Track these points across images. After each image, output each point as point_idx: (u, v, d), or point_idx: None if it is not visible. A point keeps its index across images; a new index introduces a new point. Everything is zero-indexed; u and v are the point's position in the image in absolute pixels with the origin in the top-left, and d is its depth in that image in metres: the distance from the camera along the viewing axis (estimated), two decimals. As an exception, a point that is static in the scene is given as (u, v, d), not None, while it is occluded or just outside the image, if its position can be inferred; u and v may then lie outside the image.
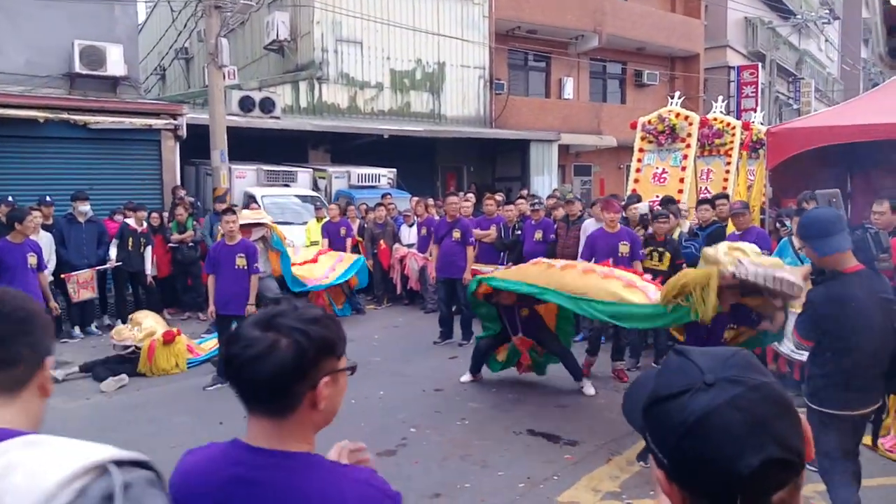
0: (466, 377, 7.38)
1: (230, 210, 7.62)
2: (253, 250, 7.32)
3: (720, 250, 4.98)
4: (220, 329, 7.54)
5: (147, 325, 8.01)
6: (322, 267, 10.70)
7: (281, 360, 1.32)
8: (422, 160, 19.41)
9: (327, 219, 12.12)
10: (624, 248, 7.42)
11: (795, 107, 32.15)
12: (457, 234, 9.11)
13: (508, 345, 7.16)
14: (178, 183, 12.75)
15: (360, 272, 10.92)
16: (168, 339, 7.90)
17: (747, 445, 0.93)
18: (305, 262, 10.72)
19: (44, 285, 7.37)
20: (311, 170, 15.55)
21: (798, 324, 3.76)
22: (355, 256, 11.07)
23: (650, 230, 8.20)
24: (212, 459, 1.40)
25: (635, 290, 5.59)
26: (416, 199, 12.64)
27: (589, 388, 6.84)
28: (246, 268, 7.17)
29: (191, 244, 10.90)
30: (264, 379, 1.32)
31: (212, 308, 7.40)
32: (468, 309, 8.47)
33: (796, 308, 6.30)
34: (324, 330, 1.38)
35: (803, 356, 6.24)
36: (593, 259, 7.18)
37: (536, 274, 6.35)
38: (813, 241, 3.62)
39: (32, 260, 7.15)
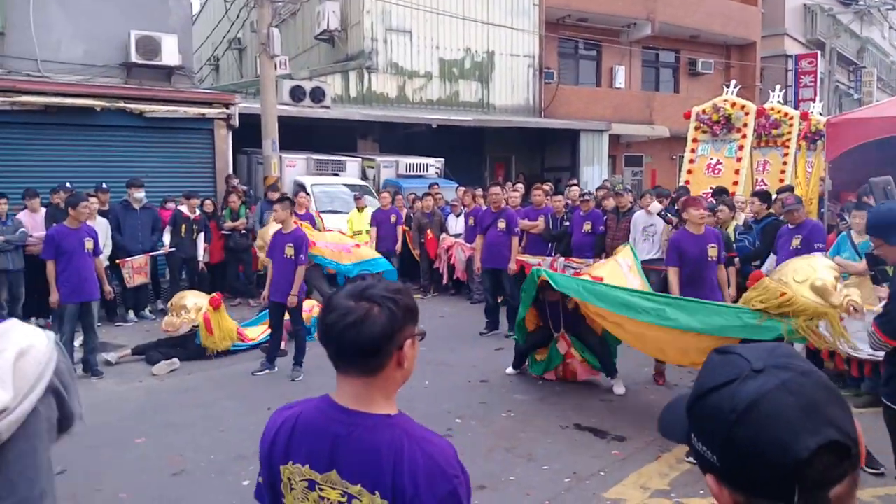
0: (511, 370, 7.34)
1: (283, 199, 7.59)
2: (302, 240, 7.30)
3: (834, 293, 4.98)
4: (270, 314, 7.61)
5: (190, 303, 8.08)
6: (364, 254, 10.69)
7: (377, 324, 1.51)
8: (470, 150, 19.34)
9: (368, 207, 12.15)
10: (712, 252, 6.44)
11: (856, 97, 31.18)
12: (502, 225, 9.01)
13: (550, 345, 7.06)
14: (231, 171, 12.93)
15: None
16: (215, 305, 8.04)
17: (803, 428, 0.89)
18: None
19: (99, 269, 7.54)
20: (359, 159, 15.63)
21: (884, 323, 3.57)
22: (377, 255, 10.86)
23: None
24: (318, 414, 1.62)
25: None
26: (463, 188, 12.59)
27: (619, 388, 6.70)
28: (293, 257, 7.18)
29: (243, 231, 11.05)
30: (363, 341, 1.51)
31: (265, 293, 7.54)
32: (514, 299, 8.41)
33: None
34: (407, 298, 1.60)
35: (861, 354, 6.08)
36: (682, 269, 6.49)
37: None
38: (890, 232, 3.50)
39: (89, 245, 7.31)
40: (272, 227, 9.02)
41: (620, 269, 6.90)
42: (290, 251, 7.19)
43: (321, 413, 1.61)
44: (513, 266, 8.72)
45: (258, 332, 8.62)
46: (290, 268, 7.19)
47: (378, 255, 10.43)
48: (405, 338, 1.57)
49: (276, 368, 7.40)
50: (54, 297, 7.08)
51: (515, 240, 9.03)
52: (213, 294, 8.33)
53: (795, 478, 0.89)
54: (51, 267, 7.06)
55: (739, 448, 0.92)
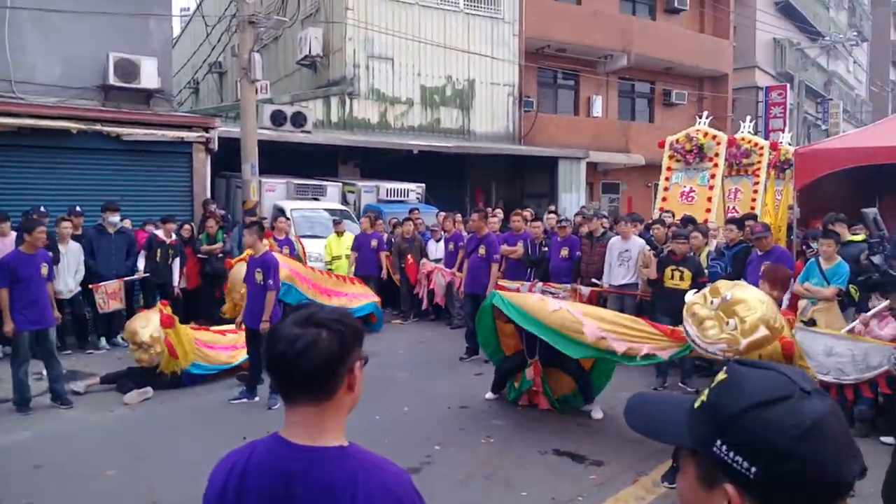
0: (490, 395, 7.34)
1: (252, 224, 7.59)
2: (270, 265, 7.20)
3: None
4: (246, 339, 7.55)
5: (146, 335, 7.69)
6: (352, 290, 10.75)
7: (328, 348, 1.50)
8: (451, 176, 19.44)
9: (347, 232, 12.17)
10: None
11: (824, 128, 31.90)
12: (482, 251, 9.10)
13: (523, 371, 7.08)
14: (209, 195, 12.87)
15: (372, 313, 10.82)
16: (168, 324, 7.72)
17: (849, 453, 0.96)
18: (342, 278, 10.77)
19: (51, 294, 7.41)
20: (340, 184, 15.65)
21: None
22: (375, 298, 10.91)
23: (668, 248, 8.17)
24: (265, 458, 1.55)
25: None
26: (443, 214, 12.65)
27: (597, 412, 6.74)
28: (262, 283, 7.13)
29: (220, 256, 10.93)
30: (316, 366, 1.49)
31: (239, 318, 7.54)
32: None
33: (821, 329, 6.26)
34: (353, 322, 1.59)
35: (847, 379, 6.18)
36: None
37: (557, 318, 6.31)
38: None
39: (44, 270, 7.21)
40: (241, 269, 8.98)
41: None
42: (259, 276, 7.15)
43: (271, 452, 1.55)
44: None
45: (226, 355, 8.41)
46: (263, 293, 7.13)
47: (361, 303, 10.51)
48: (355, 360, 1.57)
49: (258, 398, 7.29)
50: (9, 327, 6.85)
51: (495, 267, 9.08)
52: (161, 311, 7.91)
53: (836, 498, 0.94)
54: (4, 294, 6.83)
55: (796, 463, 0.93)
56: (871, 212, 8.49)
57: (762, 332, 4.80)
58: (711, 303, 5.06)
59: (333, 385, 1.53)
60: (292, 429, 1.55)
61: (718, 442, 0.99)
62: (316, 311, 1.58)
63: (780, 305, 6.29)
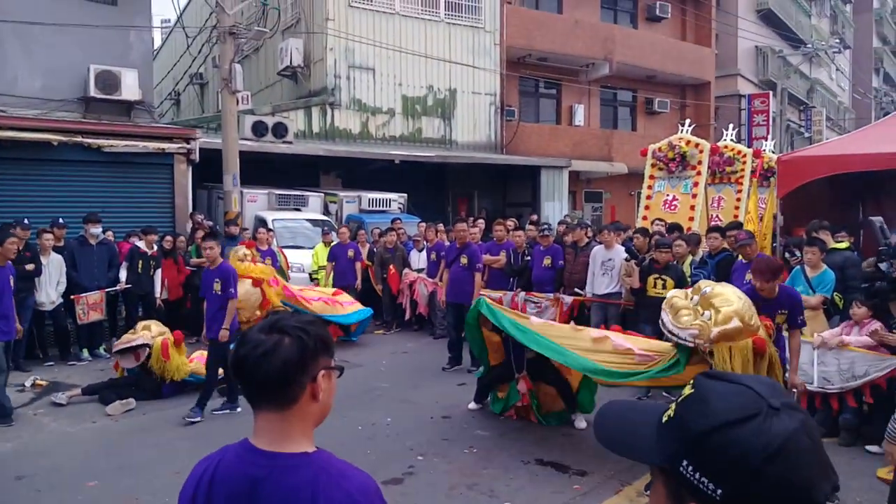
0: (473, 405, 7.32)
1: (210, 235, 7.69)
2: (229, 275, 7.26)
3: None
4: (210, 350, 7.47)
5: (154, 330, 8.00)
6: (343, 301, 10.73)
7: (286, 354, 1.51)
8: (433, 185, 19.46)
9: (335, 243, 12.14)
10: (780, 319, 5.63)
11: (807, 135, 32.15)
12: (464, 260, 9.11)
13: (510, 384, 7.08)
14: (191, 206, 12.82)
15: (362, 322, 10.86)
16: (178, 340, 7.98)
17: (820, 473, 0.93)
18: (321, 299, 10.71)
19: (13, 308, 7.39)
20: (322, 194, 15.62)
21: None
22: (358, 306, 10.86)
23: (651, 256, 8.18)
24: (233, 462, 1.58)
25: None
26: (425, 224, 12.65)
27: (581, 422, 6.74)
28: (221, 292, 7.17)
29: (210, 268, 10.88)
30: (273, 371, 1.50)
31: (204, 332, 7.50)
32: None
33: (807, 337, 6.28)
34: (320, 330, 1.59)
35: (832, 388, 6.21)
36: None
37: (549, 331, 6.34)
38: None
39: (11, 282, 7.19)
40: (241, 286, 8.97)
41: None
42: (217, 287, 7.17)
43: (239, 458, 1.58)
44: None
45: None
46: (217, 303, 7.19)
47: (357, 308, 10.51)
48: (318, 369, 1.55)
49: (240, 408, 7.24)
50: None
51: (478, 276, 9.09)
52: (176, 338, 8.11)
53: None
54: None
55: (764, 486, 0.91)
56: (878, 220, 8.55)
57: (735, 323, 4.84)
58: (692, 299, 5.13)
59: (293, 392, 1.52)
60: (258, 435, 1.57)
61: (685, 462, 0.96)
62: (282, 317, 1.59)
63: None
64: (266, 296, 9.11)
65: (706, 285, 5.16)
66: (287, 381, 1.51)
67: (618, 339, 5.98)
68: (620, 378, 5.85)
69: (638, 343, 5.95)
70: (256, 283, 9.08)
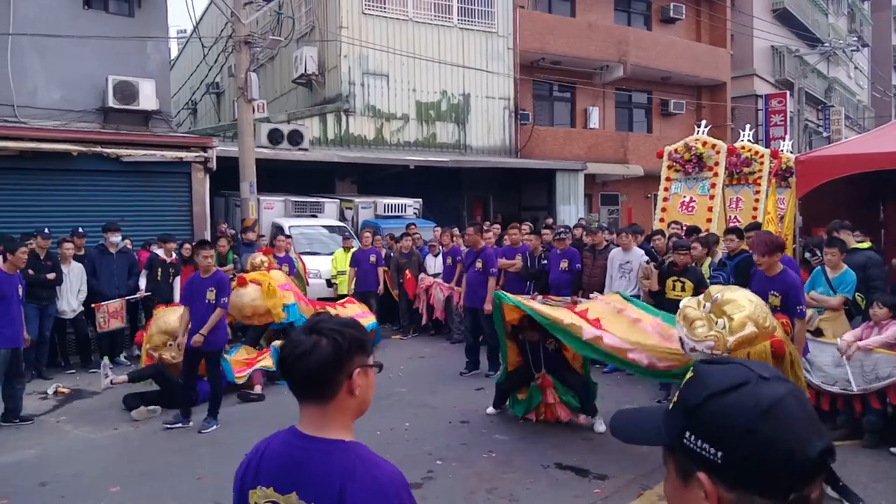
0: (492, 410, 7.31)
1: (205, 243, 7.45)
2: (225, 284, 7.13)
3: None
4: (187, 361, 7.22)
5: (169, 324, 7.90)
6: (348, 313, 10.72)
7: (323, 354, 1.66)
8: (448, 190, 19.48)
9: (355, 248, 12.18)
10: (773, 301, 5.67)
11: (825, 135, 31.87)
12: (479, 265, 9.11)
13: (530, 385, 7.06)
14: (208, 214, 12.91)
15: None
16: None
17: (812, 432, 0.99)
18: (332, 306, 10.73)
19: (22, 316, 7.44)
20: (338, 200, 15.69)
21: None
22: (372, 319, 10.80)
23: (670, 259, 8.13)
24: (280, 444, 1.76)
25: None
26: (440, 228, 12.65)
27: (600, 426, 6.69)
28: (214, 301, 6.99)
29: (231, 276, 10.93)
30: (311, 370, 1.66)
31: (181, 339, 7.20)
32: (492, 339, 8.42)
33: (828, 339, 6.22)
34: (355, 331, 1.73)
35: (834, 389, 6.15)
36: None
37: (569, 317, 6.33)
38: None
39: (20, 291, 7.28)
40: (248, 293, 9.02)
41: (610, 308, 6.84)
42: (211, 295, 6.98)
43: (285, 441, 1.75)
44: (488, 306, 8.58)
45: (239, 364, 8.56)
46: (210, 313, 6.98)
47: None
48: (354, 367, 1.68)
49: (192, 423, 7.07)
50: None
51: (492, 280, 9.07)
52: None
53: (798, 476, 0.98)
54: None
55: (758, 442, 0.97)
56: None
57: (750, 328, 4.78)
58: (704, 306, 5.05)
59: (331, 388, 1.68)
60: (303, 422, 1.73)
61: (687, 433, 1.04)
62: (322, 319, 1.74)
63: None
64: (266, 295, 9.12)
65: (716, 291, 5.09)
66: (324, 378, 1.67)
67: (610, 339, 5.94)
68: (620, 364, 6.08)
69: (644, 341, 5.93)
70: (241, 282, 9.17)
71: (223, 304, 7.05)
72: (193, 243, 11.24)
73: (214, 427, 6.97)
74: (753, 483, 0.98)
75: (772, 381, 1.03)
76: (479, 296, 9.00)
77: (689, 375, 1.11)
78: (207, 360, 7.15)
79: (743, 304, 4.89)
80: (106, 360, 8.27)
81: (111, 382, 7.70)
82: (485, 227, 11.88)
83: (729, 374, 1.05)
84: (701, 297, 5.28)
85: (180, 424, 7.01)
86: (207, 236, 12.56)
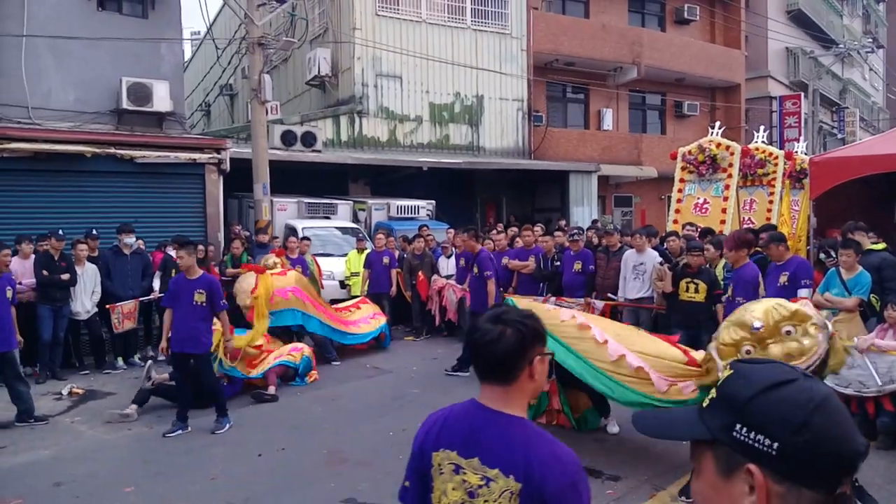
0: None
1: (188, 244, 7.19)
2: (215, 286, 6.93)
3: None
4: (175, 366, 7.05)
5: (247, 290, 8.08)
6: (363, 314, 10.78)
7: (509, 342, 1.84)
8: (461, 192, 19.48)
9: (368, 250, 12.20)
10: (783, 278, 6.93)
11: (840, 136, 31.66)
12: (475, 269, 9.15)
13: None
14: (222, 216, 12.96)
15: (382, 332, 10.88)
16: (232, 355, 7.90)
17: (854, 429, 1.05)
18: (346, 309, 10.78)
19: (14, 318, 7.43)
20: (351, 202, 15.71)
21: None
22: (383, 320, 10.91)
23: (684, 261, 8.08)
24: (464, 413, 1.97)
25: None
26: (453, 230, 12.65)
27: (613, 427, 6.66)
28: (205, 304, 6.82)
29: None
30: (497, 356, 1.85)
31: (164, 344, 7.07)
32: None
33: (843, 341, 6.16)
34: (535, 323, 1.91)
35: (869, 392, 6.09)
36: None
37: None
38: None
39: (9, 293, 7.31)
40: (247, 279, 9.00)
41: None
42: (199, 298, 6.81)
43: (467, 411, 1.96)
44: None
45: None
46: (198, 315, 6.83)
47: (372, 327, 10.58)
48: (534, 355, 1.88)
49: (190, 428, 6.97)
50: None
51: (490, 283, 9.02)
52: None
53: (846, 470, 1.02)
54: None
55: (813, 435, 1.01)
56: None
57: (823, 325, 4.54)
58: (747, 352, 4.52)
59: (514, 373, 1.86)
60: (485, 398, 1.92)
61: (738, 426, 1.06)
62: (506, 311, 1.93)
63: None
64: (258, 284, 9.10)
65: (742, 322, 4.60)
66: (509, 364, 1.86)
67: (632, 358, 5.59)
68: (637, 399, 5.50)
69: (659, 356, 5.65)
70: (258, 270, 9.17)
71: (222, 306, 6.93)
72: (207, 245, 11.35)
73: (228, 426, 6.95)
74: (805, 475, 1.01)
75: (814, 379, 1.08)
76: (478, 300, 9.01)
77: (727, 373, 1.14)
78: (197, 362, 6.95)
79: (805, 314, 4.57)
80: (150, 362, 8.20)
81: (152, 384, 7.67)
82: (498, 230, 11.91)
83: (775, 371, 1.09)
84: (730, 333, 4.65)
85: (179, 431, 6.84)
86: (221, 238, 12.62)
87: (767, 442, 1.02)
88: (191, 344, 6.85)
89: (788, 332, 4.47)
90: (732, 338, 4.61)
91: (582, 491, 1.80)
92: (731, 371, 1.13)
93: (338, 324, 10.08)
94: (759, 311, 4.60)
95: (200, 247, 10.94)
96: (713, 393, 1.13)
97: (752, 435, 1.04)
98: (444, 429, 1.98)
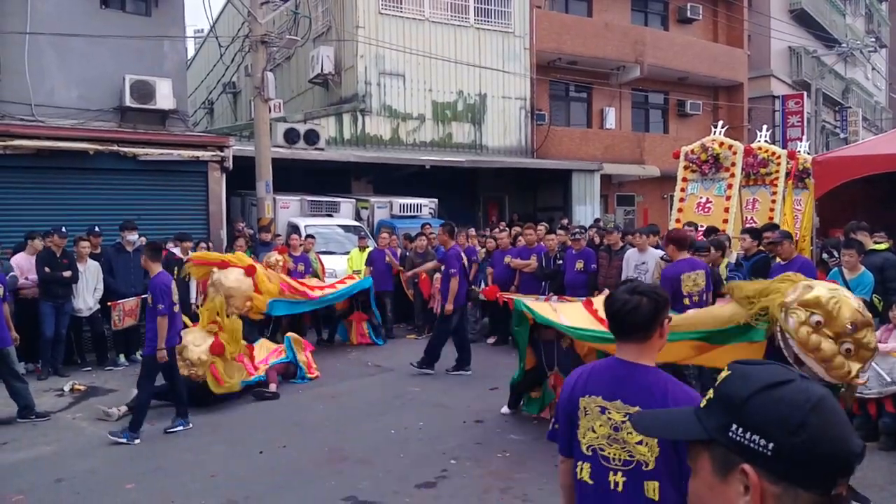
0: (507, 409, 7.28)
1: (148, 245, 7.09)
2: (155, 290, 6.64)
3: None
4: (163, 368, 6.87)
5: (194, 354, 7.46)
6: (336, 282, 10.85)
7: (647, 310, 2.31)
8: (463, 190, 19.47)
9: (370, 248, 12.20)
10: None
11: (842, 136, 31.61)
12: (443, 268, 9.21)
13: (544, 384, 7.04)
14: (224, 213, 12.97)
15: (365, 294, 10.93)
16: (219, 352, 7.59)
17: (851, 429, 1.05)
18: (319, 287, 10.82)
19: (6, 315, 7.40)
20: (353, 200, 15.71)
21: None
22: (361, 279, 11.02)
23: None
24: (606, 366, 2.45)
25: None
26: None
27: None
28: (151, 305, 6.70)
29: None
30: (637, 322, 2.32)
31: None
32: (439, 338, 9.13)
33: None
34: (664, 293, 2.42)
35: (870, 393, 6.07)
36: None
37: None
38: None
39: (0, 291, 7.31)
40: (232, 273, 8.94)
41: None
42: (150, 299, 6.75)
43: (608, 364, 2.45)
44: (448, 307, 8.90)
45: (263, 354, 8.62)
46: (151, 315, 6.72)
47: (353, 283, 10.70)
48: (663, 318, 2.35)
49: (191, 424, 6.94)
50: None
51: (453, 280, 8.98)
52: (216, 334, 7.73)
53: (842, 470, 1.02)
54: None
55: (810, 434, 1.00)
56: None
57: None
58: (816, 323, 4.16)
59: (649, 333, 2.34)
60: (622, 354, 2.40)
61: (734, 426, 1.06)
62: (639, 284, 2.42)
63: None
64: (258, 287, 9.04)
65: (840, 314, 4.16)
66: (647, 326, 2.33)
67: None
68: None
69: None
70: (249, 271, 9.04)
71: (160, 311, 6.63)
72: (209, 242, 11.36)
73: (182, 427, 6.78)
74: (801, 475, 1.01)
75: (811, 381, 1.08)
76: (445, 297, 9.05)
77: (725, 374, 1.14)
78: (161, 369, 6.83)
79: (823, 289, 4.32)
80: None
81: (119, 415, 7.61)
82: (500, 228, 11.91)
83: (772, 372, 1.09)
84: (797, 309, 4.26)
85: (181, 427, 6.83)
86: (224, 235, 12.63)
87: (763, 442, 1.02)
88: (148, 345, 6.76)
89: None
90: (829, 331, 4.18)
91: None
92: (729, 372, 1.13)
93: (299, 295, 9.96)
94: (848, 311, 4.14)
95: (202, 244, 11.00)
96: (711, 393, 1.13)
97: (748, 435, 1.04)
98: (589, 379, 2.43)
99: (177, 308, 6.86)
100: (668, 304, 2.36)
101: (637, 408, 2.22)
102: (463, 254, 9.35)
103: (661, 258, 8.39)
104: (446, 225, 9.62)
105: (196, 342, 7.55)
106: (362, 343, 10.99)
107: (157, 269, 6.84)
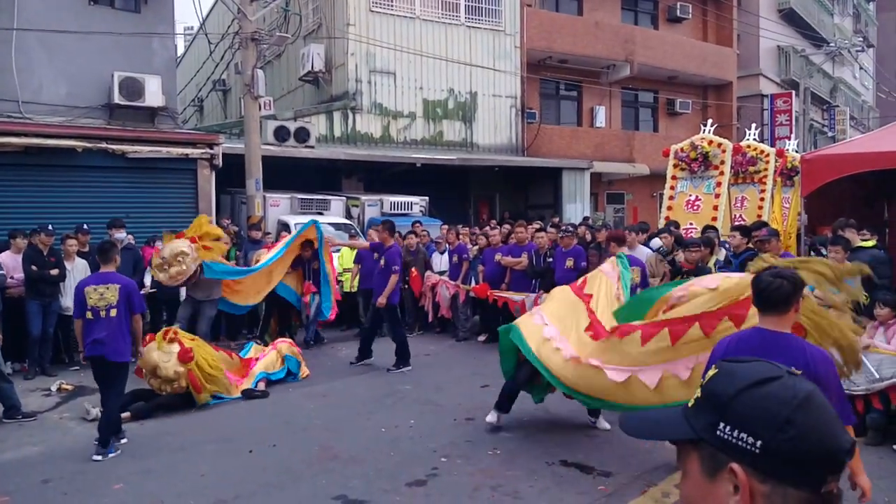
0: (493, 417, 6.67)
1: (105, 244, 6.83)
2: (130, 290, 6.34)
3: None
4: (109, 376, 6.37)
5: (169, 371, 7.27)
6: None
7: (788, 289, 3.06)
8: (454, 188, 19.47)
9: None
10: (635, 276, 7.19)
11: (830, 134, 31.81)
12: (383, 262, 9.25)
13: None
14: (214, 211, 12.91)
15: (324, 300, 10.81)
16: (187, 359, 7.37)
17: (839, 426, 1.04)
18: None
19: None
20: (344, 198, 15.68)
21: None
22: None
23: (678, 259, 8.10)
24: (750, 335, 3.20)
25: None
26: (447, 226, 12.64)
27: (604, 423, 6.63)
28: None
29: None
30: (780, 299, 3.07)
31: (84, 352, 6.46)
32: (395, 333, 9.24)
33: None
34: (799, 276, 3.16)
35: (858, 390, 6.10)
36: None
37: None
38: None
39: None
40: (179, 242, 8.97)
41: (609, 282, 6.46)
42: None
43: (754, 332, 3.19)
44: (382, 300, 9.02)
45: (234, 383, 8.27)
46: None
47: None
48: (798, 297, 3.10)
49: (117, 452, 6.42)
50: None
51: (394, 277, 9.11)
52: (180, 342, 7.50)
53: (830, 467, 1.01)
54: None
55: (798, 431, 0.99)
56: None
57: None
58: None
59: (788, 307, 3.07)
60: (765, 324, 3.14)
61: (721, 424, 1.04)
62: (781, 270, 3.21)
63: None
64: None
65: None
66: (787, 302, 3.07)
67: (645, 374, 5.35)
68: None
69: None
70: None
71: (135, 309, 6.37)
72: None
73: (112, 454, 6.10)
74: (789, 473, 1.00)
75: (799, 377, 1.06)
76: (382, 290, 9.12)
77: (712, 372, 1.12)
78: (114, 372, 6.29)
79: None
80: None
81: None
82: (492, 225, 11.91)
83: (759, 369, 1.08)
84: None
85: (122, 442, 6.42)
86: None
87: (751, 440, 1.00)
88: (115, 352, 6.31)
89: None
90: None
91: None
92: (717, 370, 1.12)
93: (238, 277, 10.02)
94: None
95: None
96: (698, 392, 1.12)
97: (735, 433, 1.02)
98: (737, 346, 3.11)
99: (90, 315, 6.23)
100: (803, 286, 3.05)
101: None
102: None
103: (657, 250, 8.43)
104: (386, 223, 9.74)
105: (164, 359, 7.34)
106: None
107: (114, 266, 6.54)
